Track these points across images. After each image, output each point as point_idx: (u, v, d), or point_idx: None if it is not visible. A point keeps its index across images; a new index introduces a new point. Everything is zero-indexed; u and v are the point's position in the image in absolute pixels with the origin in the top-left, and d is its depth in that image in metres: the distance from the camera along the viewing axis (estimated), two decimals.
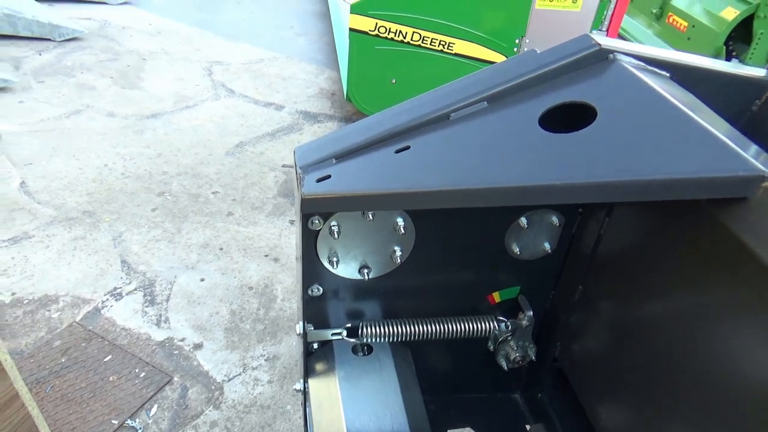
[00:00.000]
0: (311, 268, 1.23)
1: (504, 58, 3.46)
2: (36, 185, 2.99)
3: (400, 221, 1.18)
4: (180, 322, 2.30)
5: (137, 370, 2.09)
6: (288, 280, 2.54)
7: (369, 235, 1.22)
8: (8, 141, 3.33)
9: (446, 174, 1.03)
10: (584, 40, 1.15)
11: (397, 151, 1.08)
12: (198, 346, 2.21)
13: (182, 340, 2.23)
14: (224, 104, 3.94)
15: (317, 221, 1.14)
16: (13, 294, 2.34)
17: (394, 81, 3.44)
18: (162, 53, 4.58)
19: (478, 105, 1.14)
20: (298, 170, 1.10)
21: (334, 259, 1.22)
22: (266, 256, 2.67)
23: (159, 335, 2.24)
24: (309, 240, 1.18)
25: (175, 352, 2.18)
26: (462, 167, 1.04)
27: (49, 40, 4.56)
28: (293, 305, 2.40)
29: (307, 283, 1.25)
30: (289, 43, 4.98)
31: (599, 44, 1.12)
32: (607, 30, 3.39)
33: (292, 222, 2.90)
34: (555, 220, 1.25)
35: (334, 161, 1.10)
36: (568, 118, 1.06)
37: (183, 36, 4.91)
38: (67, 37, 4.61)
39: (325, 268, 1.24)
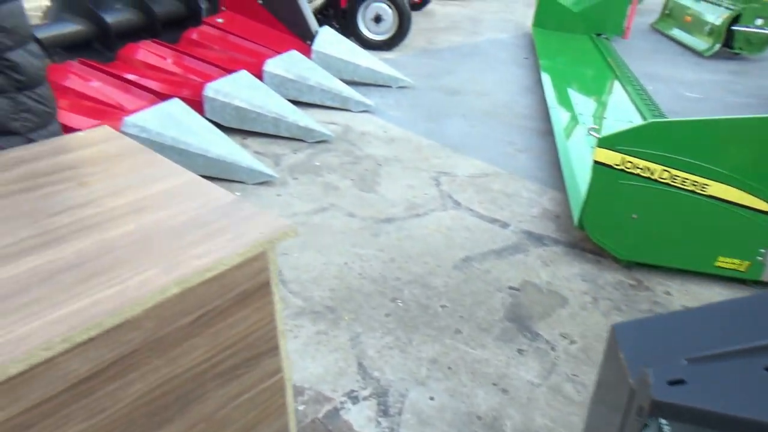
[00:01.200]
0: None
1: (766, 205, 3.16)
2: (289, 275, 3.36)
3: None
4: None
5: None
6: (517, 417, 2.46)
7: None
8: None
9: None
10: None
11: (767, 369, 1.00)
12: None
13: None
14: (451, 216, 4.13)
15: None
16: None
17: (635, 216, 3.31)
18: (395, 160, 5.00)
19: None
20: (637, 362, 1.07)
21: None
22: (494, 384, 2.64)
23: None
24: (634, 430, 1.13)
25: None
26: None
27: (302, 141, 5.26)
28: None
29: None
30: (511, 159, 5.13)
31: None
32: None
33: (520, 351, 2.85)
34: None
35: (684, 362, 1.05)
36: None
37: (413, 144, 5.34)
38: (317, 140, 5.28)
39: None
